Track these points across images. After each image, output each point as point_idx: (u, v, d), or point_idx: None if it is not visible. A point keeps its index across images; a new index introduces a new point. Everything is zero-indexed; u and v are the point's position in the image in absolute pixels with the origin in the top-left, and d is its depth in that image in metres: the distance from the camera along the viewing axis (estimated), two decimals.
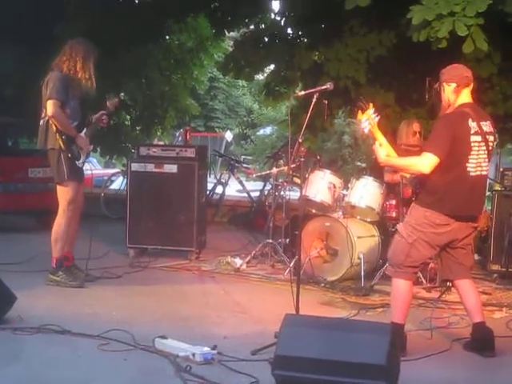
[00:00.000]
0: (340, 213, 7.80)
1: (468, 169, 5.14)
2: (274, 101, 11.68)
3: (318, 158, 8.80)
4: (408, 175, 5.80)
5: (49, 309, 6.18)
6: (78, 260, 7.33)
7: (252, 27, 12.03)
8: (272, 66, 11.90)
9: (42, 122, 7.14)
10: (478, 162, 5.18)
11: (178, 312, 6.33)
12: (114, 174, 15.26)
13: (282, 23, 11.38)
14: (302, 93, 6.21)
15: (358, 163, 8.72)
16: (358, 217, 7.83)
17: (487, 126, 5.26)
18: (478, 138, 5.16)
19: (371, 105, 5.41)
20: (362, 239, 7.68)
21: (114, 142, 13.88)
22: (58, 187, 7.19)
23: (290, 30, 11.46)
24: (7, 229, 10.35)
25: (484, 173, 5.26)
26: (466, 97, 5.27)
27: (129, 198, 8.90)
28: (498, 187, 8.33)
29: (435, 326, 5.96)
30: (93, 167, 13.58)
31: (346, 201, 7.75)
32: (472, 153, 5.14)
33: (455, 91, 5.23)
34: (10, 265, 7.49)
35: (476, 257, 9.01)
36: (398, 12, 7.92)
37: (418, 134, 7.93)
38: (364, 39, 9.57)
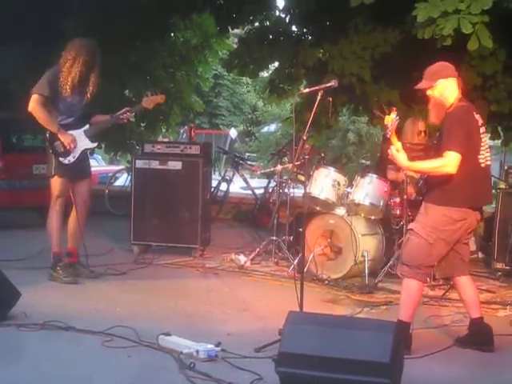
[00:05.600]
0: (344, 210, 7.80)
1: (480, 160, 5.24)
2: (278, 98, 11.64)
3: (323, 155, 8.81)
4: (416, 175, 5.78)
5: (53, 305, 6.19)
6: (83, 256, 7.35)
7: (256, 24, 11.99)
8: (276, 63, 11.87)
9: None
10: (485, 153, 5.28)
11: (181, 309, 6.34)
12: (118, 171, 15.28)
13: (287, 20, 11.34)
14: (307, 90, 6.21)
15: (363, 161, 8.74)
16: (362, 214, 7.82)
17: (480, 118, 5.36)
18: (482, 130, 5.31)
19: (394, 109, 5.40)
20: (366, 237, 7.68)
21: (118, 138, 13.87)
22: (50, 181, 7.25)
23: (294, 28, 11.44)
24: (11, 225, 10.38)
25: (488, 163, 5.34)
26: (459, 91, 5.32)
27: (133, 194, 8.92)
28: (502, 185, 8.32)
29: (439, 324, 5.97)
30: (97, 164, 13.53)
31: (351, 198, 7.74)
32: (482, 144, 5.26)
33: (457, 84, 5.30)
34: (14, 261, 7.50)
35: (480, 255, 9.04)
36: (403, 9, 7.91)
37: (423, 133, 7.92)
38: (369, 36, 9.55)
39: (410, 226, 5.47)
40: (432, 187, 5.28)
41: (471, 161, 5.15)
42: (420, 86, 5.41)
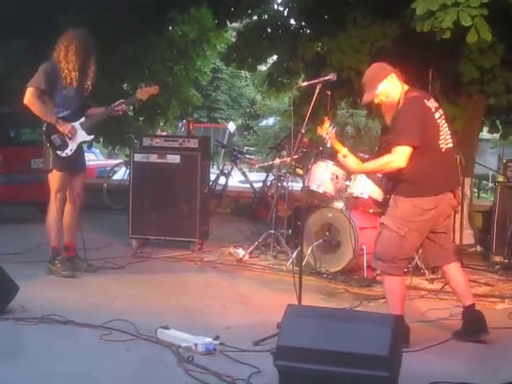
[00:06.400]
0: (343, 204, 7.80)
1: (440, 146, 5.22)
2: (276, 92, 11.63)
3: (321, 148, 8.78)
4: (374, 175, 5.81)
5: (51, 299, 6.19)
6: (80, 250, 7.35)
7: (255, 18, 11.98)
8: (275, 57, 11.85)
9: None
10: (445, 137, 5.26)
11: (180, 302, 6.34)
12: (116, 165, 15.27)
13: (285, 14, 11.34)
14: (305, 84, 6.20)
15: (361, 154, 8.71)
16: (361, 208, 7.82)
17: (435, 102, 5.35)
18: (438, 115, 5.27)
19: (326, 118, 5.45)
20: (365, 230, 7.67)
21: (116, 132, 13.88)
22: (49, 175, 7.23)
23: (292, 21, 11.42)
24: (9, 219, 10.37)
25: (450, 145, 5.31)
26: (404, 84, 5.31)
27: (131, 188, 8.92)
28: (501, 178, 8.32)
29: (437, 318, 5.97)
30: (96, 158, 13.47)
31: (349, 192, 7.73)
32: (440, 129, 5.24)
33: (399, 78, 5.29)
34: (12, 255, 7.50)
35: (478, 248, 9.05)
36: (402, 2, 7.89)
37: None
38: (367, 30, 9.53)
39: (381, 219, 5.47)
40: (398, 181, 5.24)
41: (431, 149, 5.15)
42: (365, 100, 5.39)
